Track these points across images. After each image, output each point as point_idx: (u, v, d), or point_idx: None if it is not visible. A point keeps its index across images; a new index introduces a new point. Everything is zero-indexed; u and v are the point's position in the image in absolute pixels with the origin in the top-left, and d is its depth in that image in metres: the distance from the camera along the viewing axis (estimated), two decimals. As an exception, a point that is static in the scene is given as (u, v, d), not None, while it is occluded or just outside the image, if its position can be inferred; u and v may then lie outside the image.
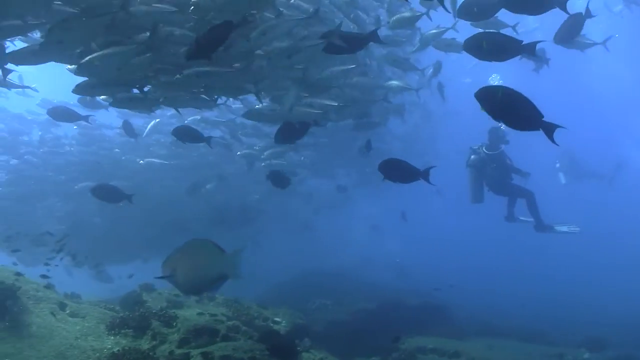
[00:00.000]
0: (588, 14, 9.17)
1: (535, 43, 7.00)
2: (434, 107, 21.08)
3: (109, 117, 15.92)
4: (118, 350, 7.59)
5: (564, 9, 7.15)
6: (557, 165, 25.23)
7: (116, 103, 8.60)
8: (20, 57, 7.21)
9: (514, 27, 9.64)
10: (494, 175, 12.85)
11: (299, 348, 9.17)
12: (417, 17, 10.09)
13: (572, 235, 13.28)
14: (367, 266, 23.66)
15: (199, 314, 9.42)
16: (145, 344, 8.27)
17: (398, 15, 10.18)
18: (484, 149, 12.93)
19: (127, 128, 14.02)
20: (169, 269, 5.54)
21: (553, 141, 5.50)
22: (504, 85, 5.55)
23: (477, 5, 7.98)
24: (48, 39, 6.64)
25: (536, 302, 19.88)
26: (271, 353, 7.95)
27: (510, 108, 5.41)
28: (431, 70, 13.99)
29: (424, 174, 7.55)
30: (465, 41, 7.33)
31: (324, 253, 23.91)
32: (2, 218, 16.81)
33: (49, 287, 9.54)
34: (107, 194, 10.52)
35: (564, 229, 13.11)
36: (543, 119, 5.38)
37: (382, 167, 7.72)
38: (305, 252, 23.41)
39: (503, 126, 12.94)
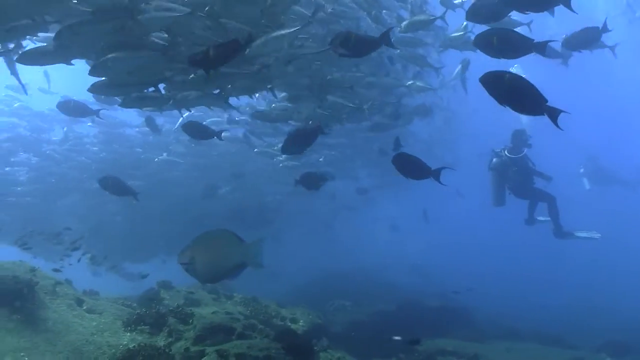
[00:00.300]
0: (605, 29, 9.10)
1: (546, 42, 6.87)
2: (455, 107, 20.98)
3: (130, 116, 16.00)
4: (134, 347, 7.58)
5: (568, 6, 7.00)
6: (581, 170, 24.99)
7: (126, 103, 8.57)
8: (30, 58, 7.25)
9: (528, 25, 9.53)
10: (516, 178, 12.64)
11: (316, 347, 9.11)
12: (431, 21, 9.97)
13: (592, 241, 13.09)
14: (387, 267, 23.54)
15: (215, 312, 9.38)
16: (161, 341, 8.27)
17: (411, 19, 10.08)
18: (506, 152, 12.74)
19: (150, 124, 13.97)
20: (187, 258, 5.53)
21: (557, 125, 5.52)
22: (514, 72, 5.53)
23: (484, 7, 7.86)
24: (56, 42, 6.70)
25: (556, 306, 19.65)
26: (287, 352, 7.90)
27: (515, 92, 5.47)
28: (459, 67, 13.84)
29: (435, 173, 7.47)
30: (475, 37, 7.20)
31: (345, 253, 23.79)
32: (23, 215, 16.95)
33: (65, 282, 9.59)
34: (113, 186, 10.37)
35: (584, 234, 12.93)
36: (547, 104, 5.45)
37: (395, 160, 7.67)
38: (325, 253, 23.33)
39: (526, 126, 12.82)
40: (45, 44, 7.37)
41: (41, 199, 17.67)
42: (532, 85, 5.42)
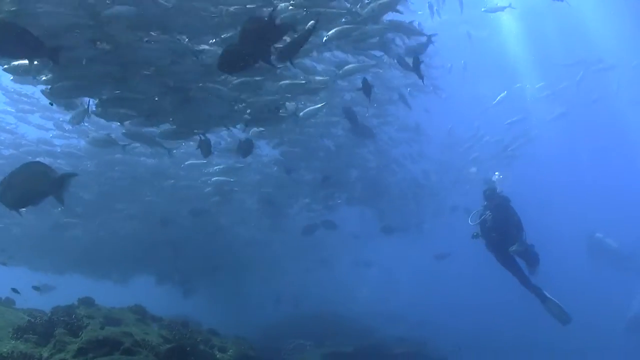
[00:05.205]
0: None
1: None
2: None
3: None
4: (6, 354, 7.19)
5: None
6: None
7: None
8: None
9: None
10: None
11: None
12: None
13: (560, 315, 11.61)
14: (366, 311, 22.96)
15: (103, 325, 8.84)
16: (45, 352, 7.81)
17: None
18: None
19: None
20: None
21: None
22: None
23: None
24: None
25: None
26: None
27: None
28: None
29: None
30: None
31: (325, 295, 23.21)
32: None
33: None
34: None
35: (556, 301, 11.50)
36: None
37: None
38: (306, 294, 22.78)
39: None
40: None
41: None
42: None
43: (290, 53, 7.77)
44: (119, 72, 8.16)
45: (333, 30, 9.01)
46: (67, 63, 7.63)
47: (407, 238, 24.86)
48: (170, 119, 9.59)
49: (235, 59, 6.98)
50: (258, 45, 6.85)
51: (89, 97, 8.85)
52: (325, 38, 9.00)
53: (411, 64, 10.20)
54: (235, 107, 9.64)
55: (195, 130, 9.98)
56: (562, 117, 26.21)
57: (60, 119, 14.30)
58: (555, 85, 25.38)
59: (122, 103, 8.75)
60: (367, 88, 10.37)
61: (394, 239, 23.93)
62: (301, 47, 7.90)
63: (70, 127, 14.17)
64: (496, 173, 14.47)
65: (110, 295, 15.37)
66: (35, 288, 11.08)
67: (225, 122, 10.18)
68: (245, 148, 10.91)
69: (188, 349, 8.78)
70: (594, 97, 26.91)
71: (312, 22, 7.95)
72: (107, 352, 7.75)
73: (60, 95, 8.52)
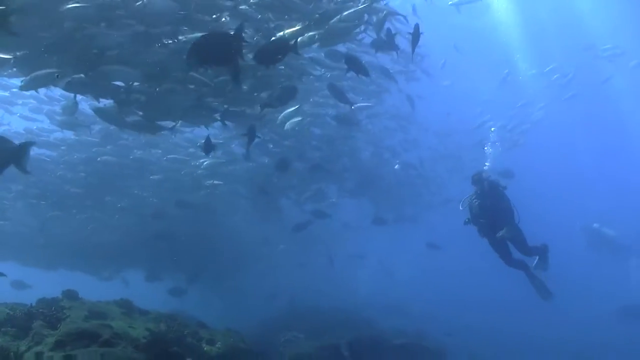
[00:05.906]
0: None
1: None
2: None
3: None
4: (-20, 348, 7.03)
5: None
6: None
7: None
8: None
9: None
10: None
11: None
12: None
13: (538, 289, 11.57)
14: (363, 301, 22.79)
15: (86, 319, 8.67)
16: (23, 345, 7.64)
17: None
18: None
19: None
20: None
21: None
22: None
23: None
24: None
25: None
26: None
27: None
28: None
29: None
30: None
31: (320, 288, 22.96)
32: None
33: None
34: None
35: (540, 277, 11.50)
36: None
37: None
38: (301, 286, 22.53)
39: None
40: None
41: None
42: None
43: (267, 60, 7.99)
44: (84, 59, 8.07)
45: (299, 39, 8.88)
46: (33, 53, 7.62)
47: (403, 228, 24.71)
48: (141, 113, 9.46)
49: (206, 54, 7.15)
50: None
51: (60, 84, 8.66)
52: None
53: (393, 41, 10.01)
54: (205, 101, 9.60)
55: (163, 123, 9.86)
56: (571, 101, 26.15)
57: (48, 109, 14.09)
58: (551, 73, 25.17)
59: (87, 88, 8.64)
60: (353, 63, 9.79)
61: (390, 229, 23.82)
62: (279, 57, 8.10)
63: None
64: (492, 128, 14.33)
65: (103, 291, 15.23)
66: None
67: (200, 120, 10.15)
68: (250, 136, 10.64)
69: (170, 340, 8.56)
70: (602, 79, 26.78)
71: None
72: (85, 345, 7.58)
73: (34, 86, 8.39)
